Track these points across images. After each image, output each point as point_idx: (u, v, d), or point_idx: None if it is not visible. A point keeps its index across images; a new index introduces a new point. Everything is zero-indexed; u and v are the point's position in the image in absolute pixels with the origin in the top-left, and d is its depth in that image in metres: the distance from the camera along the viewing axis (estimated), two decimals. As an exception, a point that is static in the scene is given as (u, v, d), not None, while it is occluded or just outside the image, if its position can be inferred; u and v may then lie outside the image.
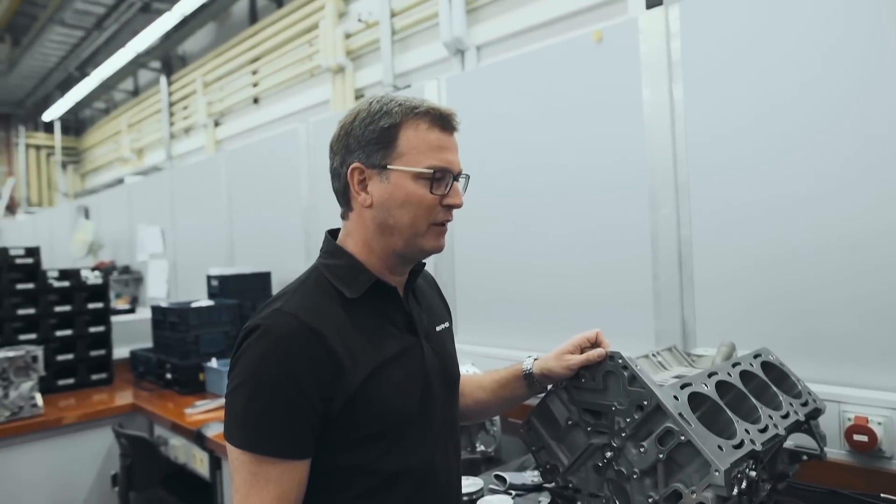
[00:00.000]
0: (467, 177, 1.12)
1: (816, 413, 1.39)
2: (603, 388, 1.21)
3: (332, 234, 1.16)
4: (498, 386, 1.31)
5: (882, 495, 1.50)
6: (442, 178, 1.06)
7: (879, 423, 1.51)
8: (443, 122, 1.07)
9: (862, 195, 1.58)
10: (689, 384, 1.20)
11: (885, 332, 1.55)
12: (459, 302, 2.58)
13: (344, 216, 1.12)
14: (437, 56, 4.19)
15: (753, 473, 1.11)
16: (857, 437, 1.52)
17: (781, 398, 1.32)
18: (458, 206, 1.09)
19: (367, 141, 1.05)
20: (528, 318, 2.34)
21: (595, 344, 1.24)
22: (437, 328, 1.20)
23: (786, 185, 1.71)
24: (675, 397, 1.15)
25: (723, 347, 1.55)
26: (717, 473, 1.05)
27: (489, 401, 1.31)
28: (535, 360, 1.28)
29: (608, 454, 1.20)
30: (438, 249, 1.10)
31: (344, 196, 1.10)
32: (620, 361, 1.18)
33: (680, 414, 1.11)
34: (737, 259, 1.81)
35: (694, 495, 1.08)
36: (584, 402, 1.24)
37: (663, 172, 1.96)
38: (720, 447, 1.09)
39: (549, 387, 1.30)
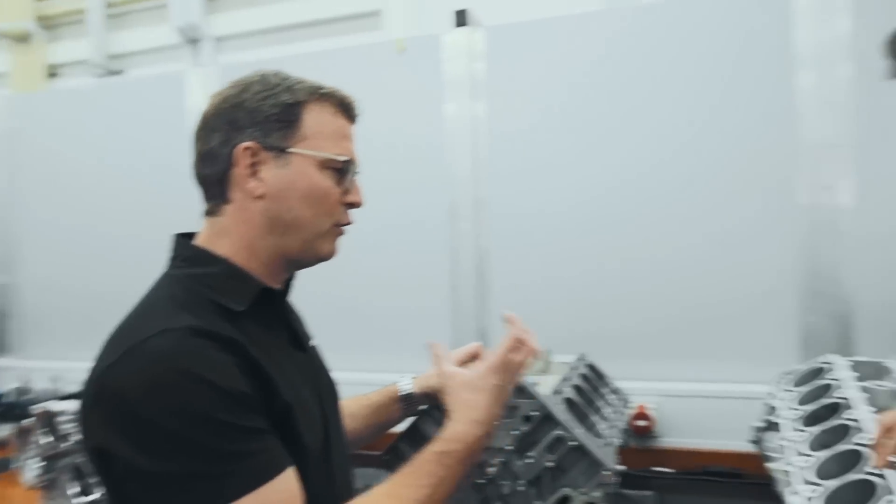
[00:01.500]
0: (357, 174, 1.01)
1: (626, 406, 1.58)
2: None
3: (186, 237, 0.93)
4: (370, 412, 1.19)
5: (652, 468, 1.78)
6: (347, 170, 0.93)
7: (654, 409, 1.80)
8: (348, 109, 0.96)
9: (638, 209, 1.87)
10: (560, 392, 1.25)
11: (652, 330, 1.86)
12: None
13: (214, 211, 0.91)
14: (165, 41, 3.69)
15: None
16: (638, 423, 1.78)
17: (610, 396, 1.47)
18: (360, 205, 0.98)
19: (264, 117, 0.87)
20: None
21: (476, 358, 1.21)
22: (312, 343, 1.06)
23: (576, 198, 1.92)
24: (557, 404, 1.19)
25: (541, 353, 1.67)
26: (606, 472, 1.12)
27: (360, 430, 1.18)
28: (414, 378, 1.20)
29: (490, 470, 1.19)
30: (332, 255, 0.97)
31: (220, 184, 0.89)
32: (507, 374, 1.17)
33: (567, 420, 1.15)
34: (531, 269, 1.97)
35: (583, 496, 1.12)
36: (463, 418, 1.20)
37: (463, 186, 2.03)
38: (601, 447, 1.16)
39: (421, 407, 1.23)
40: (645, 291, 1.86)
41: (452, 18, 2.05)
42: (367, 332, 2.12)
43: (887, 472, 0.92)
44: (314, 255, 0.94)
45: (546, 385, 1.33)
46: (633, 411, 1.77)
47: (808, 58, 1.74)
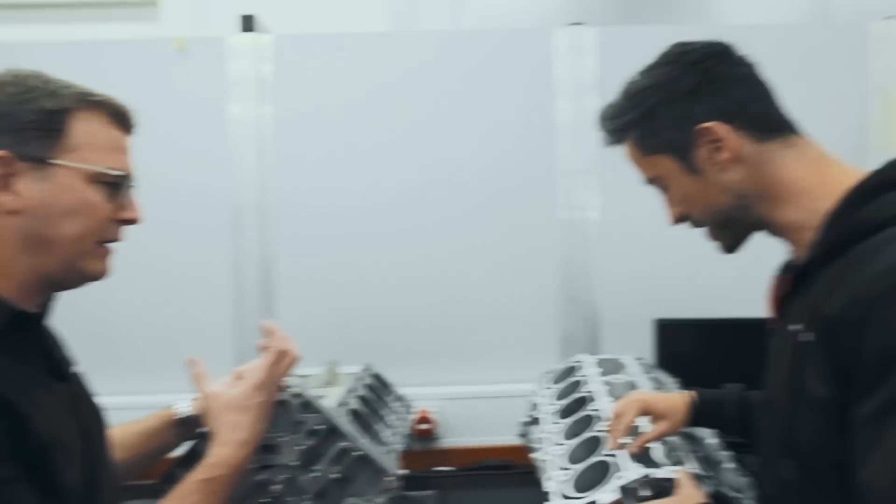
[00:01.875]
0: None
1: (410, 411, 1.65)
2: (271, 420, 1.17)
3: None
4: (142, 440, 1.10)
5: (434, 468, 1.88)
6: (121, 185, 0.87)
7: (435, 412, 1.90)
8: (123, 119, 0.89)
9: (416, 221, 1.97)
10: (344, 403, 1.28)
11: (433, 338, 1.97)
12: None
13: None
14: None
15: None
16: (421, 427, 1.87)
17: (394, 404, 1.53)
18: (137, 221, 0.91)
19: (21, 124, 0.77)
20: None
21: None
22: (74, 369, 0.96)
23: (360, 209, 1.97)
24: (342, 417, 1.21)
25: (328, 366, 1.68)
26: (390, 478, 1.16)
27: (132, 460, 1.08)
28: (192, 401, 1.14)
29: (274, 488, 1.17)
30: (103, 275, 0.89)
31: None
32: (294, 389, 1.17)
33: (352, 431, 1.18)
34: (318, 278, 1.97)
35: (369, 501, 1.16)
36: (247, 438, 1.17)
37: (249, 193, 1.97)
38: (385, 454, 1.21)
39: (201, 430, 1.17)
40: (425, 300, 1.97)
41: (238, 22, 1.98)
42: (143, 352, 1.96)
43: (619, 452, 1.09)
44: (80, 275, 0.85)
45: (332, 397, 1.34)
46: (416, 416, 1.86)
47: (564, 90, 1.99)
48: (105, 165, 0.83)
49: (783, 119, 0.87)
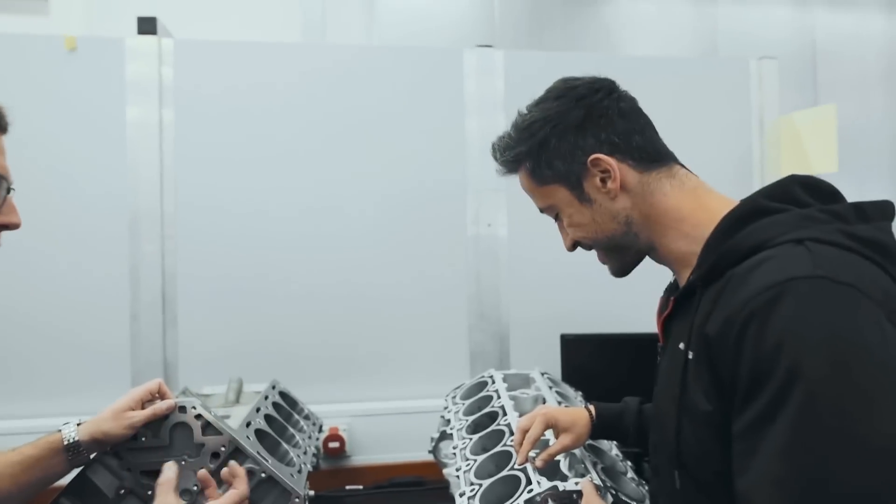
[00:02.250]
0: (13, 192, 0.89)
1: (319, 430, 1.62)
2: (168, 444, 1.11)
3: None
4: (22, 470, 1.01)
5: (347, 487, 1.85)
6: None
7: (345, 430, 1.87)
8: None
9: (327, 235, 1.95)
10: (250, 422, 1.23)
11: (342, 354, 1.94)
12: None
13: None
14: None
15: None
16: (331, 445, 1.83)
17: (303, 422, 1.50)
18: (17, 226, 0.85)
19: None
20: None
21: (159, 396, 1.13)
22: None
23: (265, 221, 1.92)
24: (248, 437, 1.17)
25: (233, 383, 1.62)
26: (297, 500, 1.13)
27: (11, 490, 1.00)
28: (79, 425, 1.06)
29: (174, 514, 1.11)
30: None
31: None
32: (194, 409, 1.12)
33: (258, 452, 1.14)
34: (221, 291, 1.90)
35: (276, 528, 1.12)
36: (142, 463, 1.10)
37: (148, 200, 1.87)
38: (292, 475, 1.18)
39: (92, 456, 1.09)
40: (335, 315, 1.94)
41: (134, 23, 1.89)
42: (30, 373, 1.80)
43: (528, 466, 1.12)
44: None
45: (236, 417, 1.29)
46: (325, 434, 1.82)
47: (473, 108, 2.03)
48: None
49: (663, 150, 0.93)
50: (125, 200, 1.86)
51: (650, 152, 0.91)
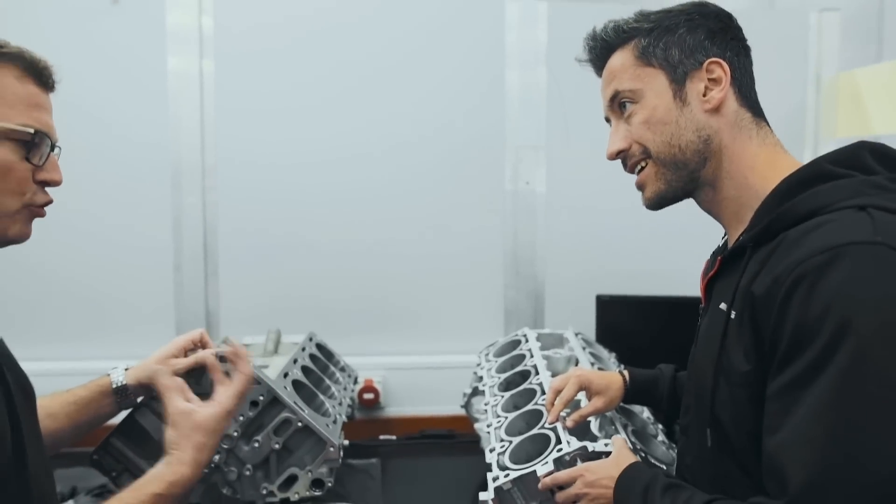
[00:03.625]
0: (59, 150, 0.90)
1: (354, 381, 1.66)
2: (209, 392, 1.15)
3: None
4: (75, 409, 1.07)
5: (380, 437, 1.90)
6: (39, 144, 0.82)
7: (380, 382, 1.91)
8: (39, 74, 0.84)
9: (367, 191, 1.95)
10: (287, 373, 1.27)
11: (378, 308, 1.97)
12: None
13: None
14: None
15: None
16: (366, 396, 1.88)
17: (338, 374, 1.53)
18: (58, 183, 0.87)
19: None
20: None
21: (201, 345, 1.16)
22: None
23: (305, 175, 1.93)
24: (285, 387, 1.21)
25: (271, 334, 1.66)
26: (332, 449, 1.17)
27: (64, 430, 1.05)
28: (126, 370, 1.11)
29: (216, 458, 1.16)
30: (23, 238, 0.85)
31: None
32: (234, 359, 1.15)
33: (294, 402, 1.18)
34: (261, 245, 1.94)
35: (310, 473, 1.17)
36: (185, 409, 1.15)
37: (190, 155, 1.90)
38: (328, 425, 1.21)
39: (140, 399, 1.14)
40: (372, 269, 1.96)
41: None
42: (81, 319, 1.89)
43: (559, 426, 1.12)
44: (13, 235, 0.82)
45: (274, 367, 1.33)
46: (360, 386, 1.87)
47: (514, 60, 1.98)
48: (16, 122, 0.78)
49: (759, 103, 0.90)
50: (167, 152, 1.88)
51: (753, 98, 0.89)
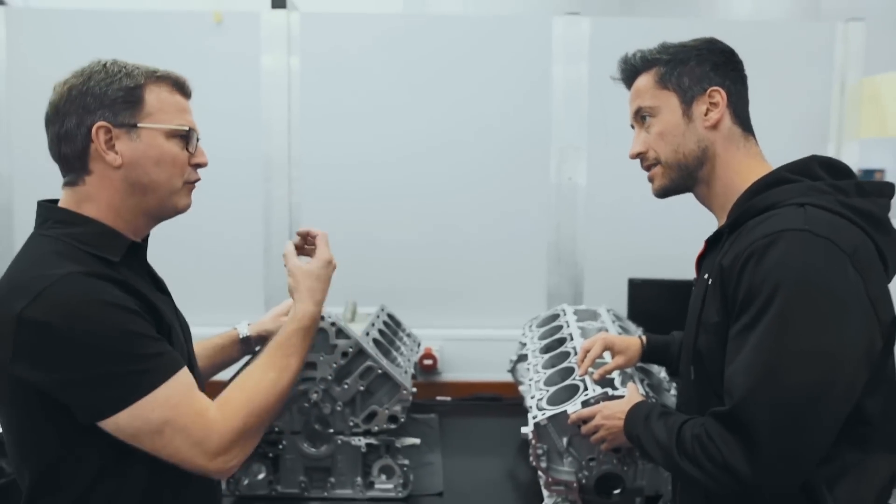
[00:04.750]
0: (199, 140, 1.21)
1: (418, 346, 1.96)
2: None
3: (51, 202, 1.07)
4: (214, 353, 1.39)
5: (437, 398, 2.21)
6: (191, 137, 1.11)
7: (437, 350, 2.21)
8: (182, 87, 1.12)
9: (429, 183, 2.25)
10: (368, 332, 1.58)
11: (438, 286, 2.27)
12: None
13: (75, 182, 1.04)
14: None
15: None
16: (426, 362, 2.19)
17: (406, 338, 1.84)
18: (205, 164, 1.15)
19: (111, 100, 1.01)
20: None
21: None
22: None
23: (376, 174, 2.25)
24: (368, 342, 1.51)
25: (349, 305, 1.98)
26: (405, 392, 1.47)
27: (205, 368, 1.38)
28: (249, 324, 1.43)
29: (313, 396, 1.48)
30: (188, 208, 1.14)
31: (80, 159, 1.02)
32: (329, 319, 1.47)
33: (375, 354, 1.48)
34: (337, 228, 2.24)
35: (387, 410, 1.47)
36: (292, 356, 1.47)
37: (279, 153, 2.23)
38: (402, 374, 1.52)
39: (258, 348, 1.46)
40: (434, 253, 2.26)
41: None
42: (192, 292, 2.24)
43: (587, 378, 1.40)
44: (172, 208, 1.11)
45: (357, 329, 1.64)
46: (421, 353, 2.17)
47: (559, 85, 2.25)
48: (175, 123, 1.08)
49: (750, 122, 1.13)
50: (259, 143, 2.23)
51: (745, 118, 1.12)
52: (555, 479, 1.36)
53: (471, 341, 2.26)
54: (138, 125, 1.03)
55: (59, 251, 0.97)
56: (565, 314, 1.83)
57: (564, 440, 1.36)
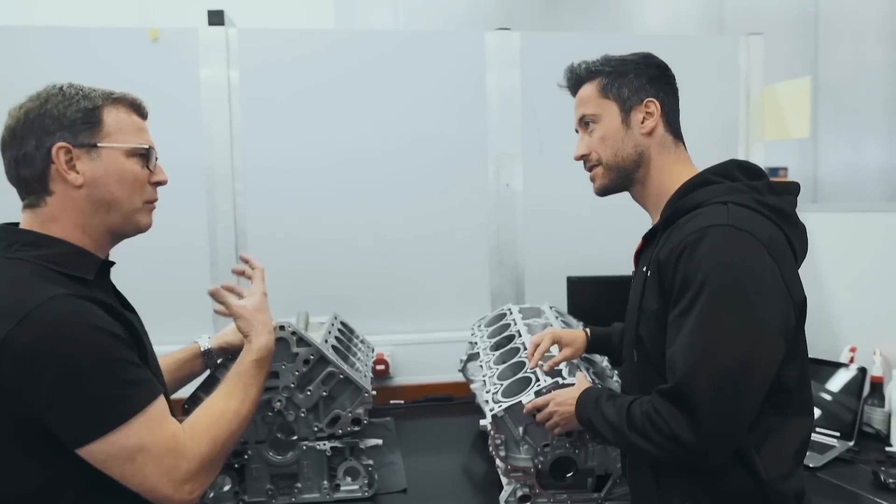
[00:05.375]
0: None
1: (373, 350, 2.02)
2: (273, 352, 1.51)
3: (11, 225, 1.08)
4: (177, 367, 1.41)
5: (391, 401, 2.27)
6: (150, 156, 1.14)
7: (389, 355, 2.28)
8: (139, 108, 1.15)
9: (373, 193, 2.32)
10: (327, 339, 1.63)
11: (386, 294, 2.34)
12: None
13: (37, 203, 1.05)
14: None
15: None
16: (378, 367, 2.24)
17: (360, 344, 1.90)
18: (165, 182, 1.19)
19: (70, 121, 1.04)
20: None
21: None
22: None
23: (320, 184, 2.29)
24: (328, 349, 1.56)
25: (301, 315, 2.01)
26: (366, 395, 1.53)
27: (169, 383, 1.39)
28: (210, 337, 1.46)
29: (276, 405, 1.51)
30: (149, 227, 1.17)
31: (40, 181, 1.04)
32: (290, 328, 1.51)
33: (336, 359, 1.54)
34: (285, 241, 2.29)
35: (350, 414, 1.53)
36: (254, 367, 1.50)
37: (222, 166, 2.24)
38: (362, 378, 1.58)
39: (220, 360, 1.49)
40: (377, 262, 2.33)
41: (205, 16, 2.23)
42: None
43: (537, 370, 1.50)
44: (134, 227, 1.14)
45: (315, 336, 1.68)
46: (373, 358, 2.22)
47: (493, 96, 2.37)
48: (134, 143, 1.11)
49: (680, 129, 1.27)
50: (201, 158, 2.23)
51: (677, 127, 1.25)
52: (513, 466, 1.46)
53: (420, 345, 2.33)
54: (98, 145, 1.06)
55: (35, 273, 0.99)
56: (511, 313, 1.94)
57: (520, 429, 1.45)
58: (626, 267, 2.20)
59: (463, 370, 2.07)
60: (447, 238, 2.38)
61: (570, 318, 1.99)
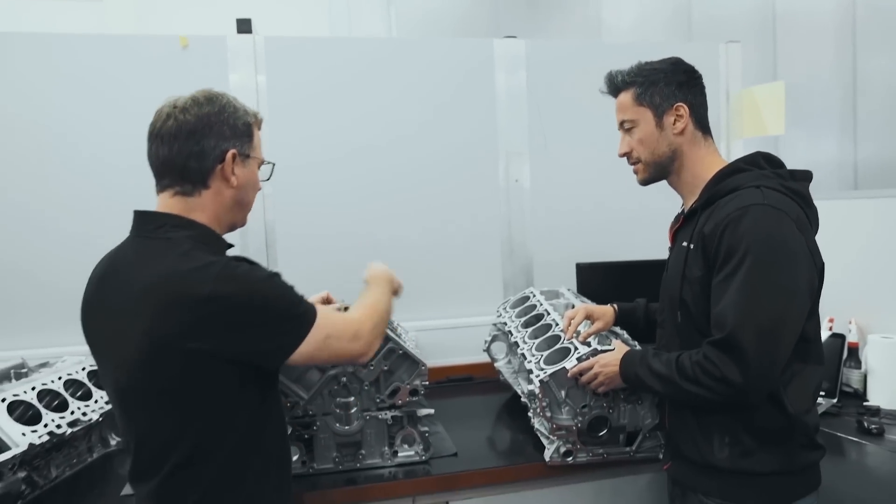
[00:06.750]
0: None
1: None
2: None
3: (151, 213, 1.22)
4: None
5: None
6: (266, 168, 1.36)
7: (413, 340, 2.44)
8: (260, 125, 1.33)
9: (392, 191, 2.48)
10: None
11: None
12: None
13: (190, 193, 1.21)
14: None
15: None
16: (404, 352, 2.40)
17: (400, 329, 2.06)
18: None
19: (241, 132, 1.23)
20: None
21: (327, 300, 1.67)
22: None
23: (348, 182, 2.45)
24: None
25: (340, 305, 2.16)
26: (423, 367, 1.70)
27: None
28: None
29: (343, 380, 1.66)
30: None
31: (204, 175, 1.21)
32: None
33: (395, 337, 1.70)
34: (312, 238, 2.43)
35: (409, 385, 1.69)
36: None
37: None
38: (418, 353, 1.74)
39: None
40: (400, 255, 2.47)
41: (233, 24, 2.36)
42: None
43: (574, 341, 1.69)
44: (242, 224, 1.33)
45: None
46: (414, 340, 2.38)
47: (502, 98, 2.57)
48: (263, 156, 1.32)
49: (708, 125, 1.46)
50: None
51: (705, 123, 1.45)
52: (558, 425, 1.65)
53: (440, 330, 2.50)
54: (251, 155, 1.27)
55: (195, 247, 1.16)
56: (535, 295, 2.14)
57: (563, 392, 1.64)
58: (625, 253, 2.46)
59: (487, 350, 2.25)
60: (463, 231, 2.56)
61: (585, 299, 2.19)
